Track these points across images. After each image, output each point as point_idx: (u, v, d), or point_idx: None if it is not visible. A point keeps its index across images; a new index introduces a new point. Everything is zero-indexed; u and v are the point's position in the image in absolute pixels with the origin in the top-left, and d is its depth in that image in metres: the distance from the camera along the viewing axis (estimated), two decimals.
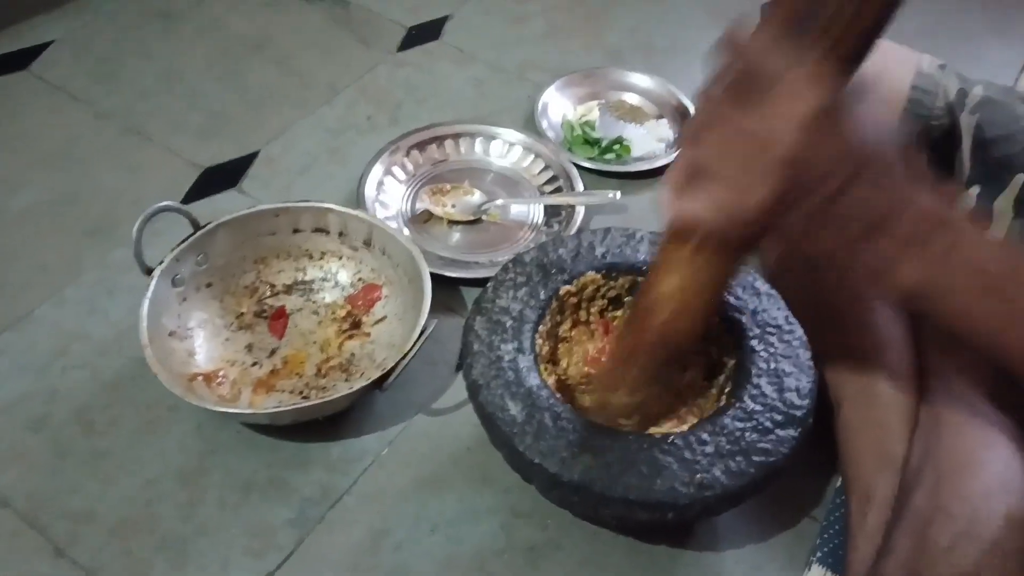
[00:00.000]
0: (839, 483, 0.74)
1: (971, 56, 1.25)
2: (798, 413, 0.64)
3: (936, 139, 0.76)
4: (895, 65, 0.79)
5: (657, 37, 1.30)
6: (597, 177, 1.05)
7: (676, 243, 0.57)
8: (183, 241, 0.80)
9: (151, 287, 0.76)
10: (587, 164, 1.05)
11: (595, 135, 1.10)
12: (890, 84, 0.78)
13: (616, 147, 1.09)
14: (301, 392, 0.79)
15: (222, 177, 1.03)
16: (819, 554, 0.70)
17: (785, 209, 0.48)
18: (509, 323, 0.69)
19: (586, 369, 0.74)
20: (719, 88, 0.50)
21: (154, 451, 0.76)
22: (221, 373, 0.80)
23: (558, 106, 1.15)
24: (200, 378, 0.78)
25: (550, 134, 1.09)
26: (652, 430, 0.66)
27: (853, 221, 0.49)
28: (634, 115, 1.15)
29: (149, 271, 0.77)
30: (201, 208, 0.97)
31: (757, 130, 0.47)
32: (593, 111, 1.15)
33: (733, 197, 0.48)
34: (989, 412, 0.62)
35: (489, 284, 0.72)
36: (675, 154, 0.57)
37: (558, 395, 0.66)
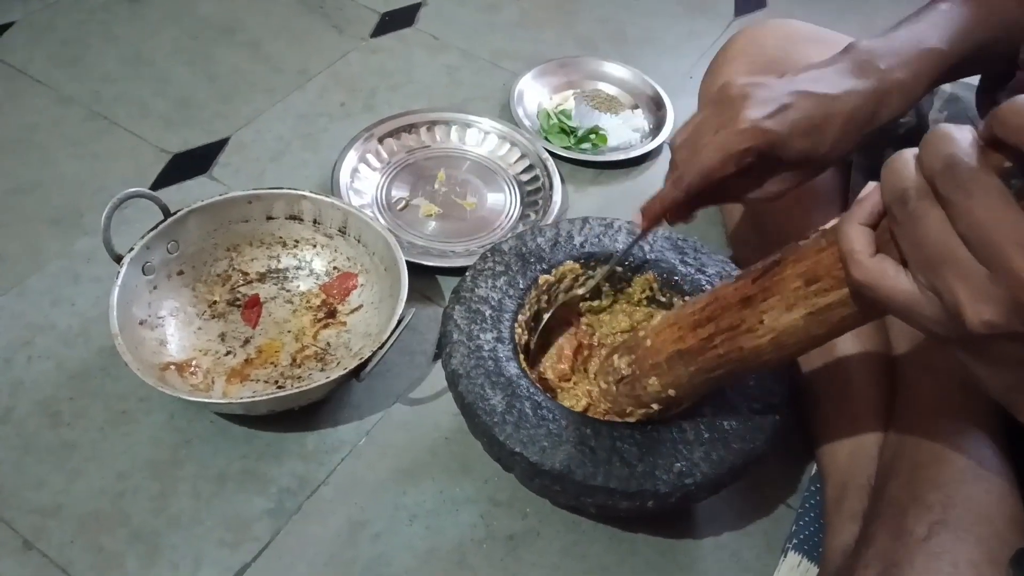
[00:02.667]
0: (814, 471, 0.75)
1: None
2: (775, 401, 0.64)
3: (900, 136, 0.77)
4: None
5: (629, 27, 1.30)
6: (573, 166, 1.05)
7: (850, 304, 0.44)
8: (153, 228, 0.78)
9: (121, 275, 0.74)
10: (563, 153, 1.05)
11: (571, 124, 1.10)
12: None
13: (592, 136, 1.09)
14: (276, 382, 0.78)
15: (192, 163, 1.01)
16: (795, 541, 0.70)
17: None
18: (488, 312, 0.69)
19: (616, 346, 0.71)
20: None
21: (125, 443, 0.74)
22: (194, 363, 0.78)
23: (534, 95, 1.14)
24: (172, 368, 0.76)
25: (526, 123, 1.08)
26: (629, 418, 0.66)
27: None
28: (610, 105, 1.15)
29: (118, 259, 0.75)
30: (171, 195, 0.95)
31: None
32: (569, 100, 1.15)
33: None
34: (959, 401, 0.63)
35: (468, 273, 0.72)
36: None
37: (538, 384, 0.65)
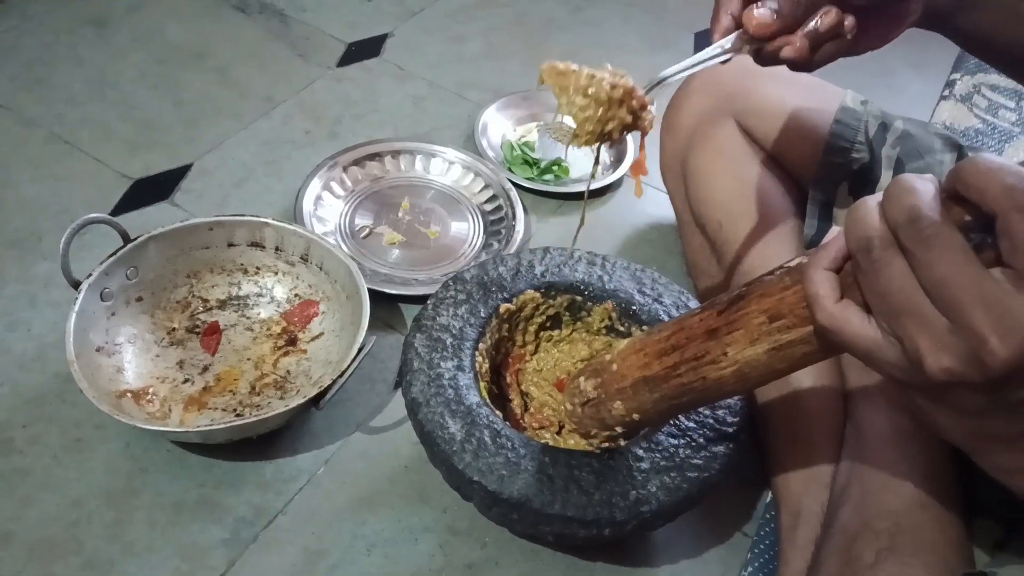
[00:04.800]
0: (770, 498, 0.77)
1: (892, 89, 1.32)
2: (730, 430, 0.66)
3: (856, 171, 0.79)
4: (820, 98, 0.83)
5: (593, 60, 1.32)
6: (536, 197, 1.07)
7: (797, 335, 0.45)
8: (113, 254, 0.78)
9: (78, 300, 0.74)
10: (526, 184, 1.07)
11: (534, 156, 1.12)
12: (815, 116, 0.82)
13: (555, 168, 1.11)
14: (235, 410, 0.78)
15: (154, 189, 1.00)
16: (750, 569, 0.71)
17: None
18: (449, 340, 0.69)
19: (579, 367, 0.72)
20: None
21: (79, 470, 0.73)
22: (151, 390, 0.77)
23: (498, 126, 1.16)
24: (129, 395, 0.76)
25: (490, 153, 1.10)
26: (584, 445, 0.67)
27: None
28: (572, 138, 1.17)
29: (76, 284, 0.75)
30: (131, 220, 0.95)
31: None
32: (532, 132, 1.17)
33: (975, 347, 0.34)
34: (909, 429, 0.65)
35: (429, 301, 0.72)
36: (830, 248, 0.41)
37: (498, 412, 0.66)
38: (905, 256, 0.35)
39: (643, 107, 0.58)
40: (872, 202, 0.37)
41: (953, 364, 0.34)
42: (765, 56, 0.57)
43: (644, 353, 0.58)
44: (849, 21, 0.56)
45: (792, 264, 0.46)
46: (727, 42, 0.57)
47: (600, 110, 0.55)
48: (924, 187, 0.35)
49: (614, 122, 0.56)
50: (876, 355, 0.38)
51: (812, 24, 0.55)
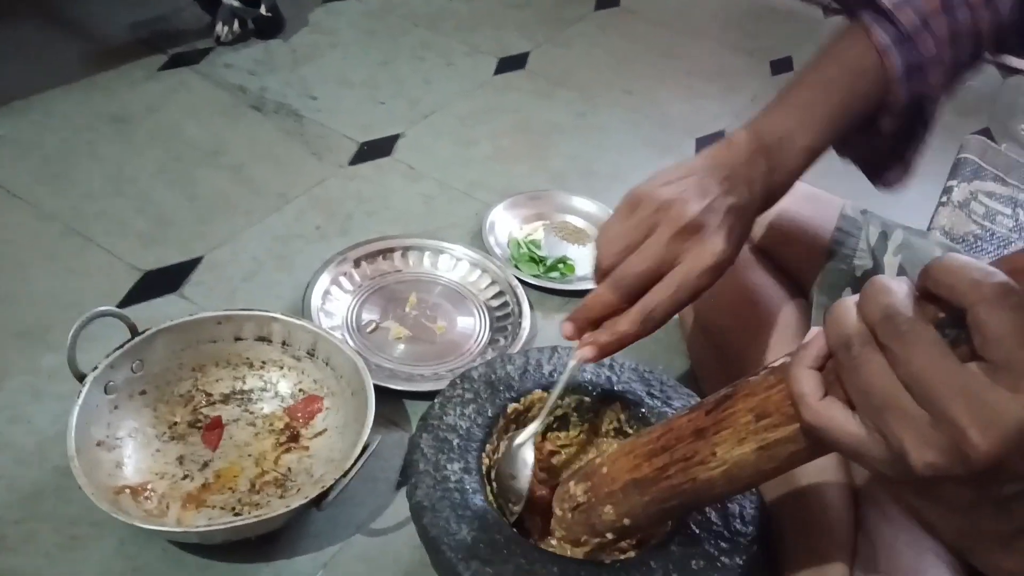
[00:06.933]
0: None
1: (890, 196, 1.34)
2: (743, 541, 0.64)
3: (859, 278, 0.80)
4: (820, 208, 0.85)
5: (598, 164, 1.37)
6: (542, 294, 1.08)
7: (788, 435, 0.45)
8: (119, 347, 0.78)
9: (82, 394, 0.73)
10: (532, 281, 1.08)
11: (540, 253, 1.13)
12: (815, 225, 0.84)
13: (561, 266, 1.12)
14: (233, 508, 0.76)
15: (163, 281, 1.01)
16: None
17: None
18: (456, 441, 0.68)
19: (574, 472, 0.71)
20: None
21: (71, 570, 0.71)
22: (149, 486, 0.76)
23: (505, 224, 1.18)
24: (127, 491, 0.74)
25: (497, 251, 1.11)
26: (584, 547, 0.65)
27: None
28: (577, 236, 1.19)
29: (81, 377, 0.74)
30: (139, 312, 0.95)
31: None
32: (538, 231, 1.19)
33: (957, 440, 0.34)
34: (922, 534, 0.64)
35: (437, 400, 0.72)
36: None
37: (504, 517, 0.64)
38: (883, 352, 0.36)
39: None
40: (850, 302, 0.39)
41: (937, 458, 0.34)
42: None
43: (634, 455, 0.57)
44: None
45: (776, 364, 0.46)
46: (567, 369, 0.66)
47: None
48: (898, 287, 0.36)
49: None
50: (862, 452, 0.38)
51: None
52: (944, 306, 0.35)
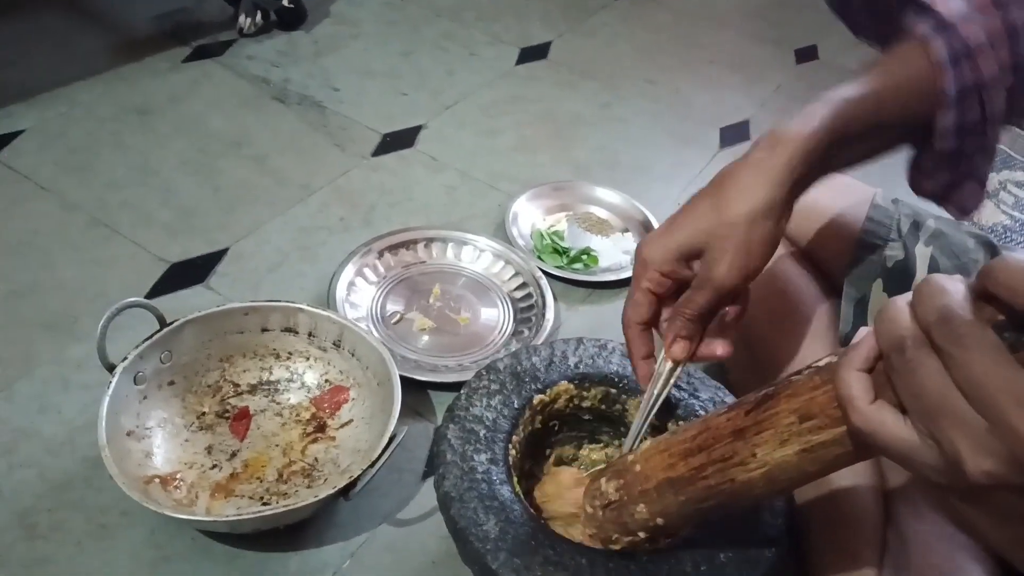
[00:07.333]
0: None
1: None
2: (772, 532, 0.64)
3: (890, 269, 0.79)
4: (851, 196, 0.84)
5: (622, 155, 1.36)
6: (566, 285, 1.07)
7: (838, 436, 0.43)
8: (149, 338, 0.78)
9: (112, 384, 0.74)
10: (556, 272, 1.07)
11: (564, 245, 1.13)
12: (846, 213, 0.83)
13: (584, 257, 1.11)
14: (261, 498, 0.77)
15: (190, 273, 1.02)
16: None
17: None
18: (483, 432, 0.68)
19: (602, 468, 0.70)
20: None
21: (102, 559, 0.72)
22: (178, 476, 0.77)
23: (528, 216, 1.17)
24: (157, 480, 0.75)
25: (520, 242, 1.11)
26: (614, 545, 0.65)
27: None
28: (601, 227, 1.19)
29: (111, 367, 0.75)
30: (166, 303, 0.95)
31: None
32: (562, 222, 1.18)
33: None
34: (954, 530, 0.63)
35: (463, 391, 0.72)
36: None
37: (532, 510, 0.64)
38: (939, 356, 0.35)
39: None
40: (902, 302, 0.37)
41: (994, 467, 0.33)
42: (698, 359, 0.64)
43: (669, 453, 0.56)
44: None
45: (821, 363, 0.45)
46: (660, 377, 0.64)
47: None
48: (954, 287, 0.35)
49: None
50: (913, 458, 0.37)
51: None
52: (1003, 308, 0.34)
